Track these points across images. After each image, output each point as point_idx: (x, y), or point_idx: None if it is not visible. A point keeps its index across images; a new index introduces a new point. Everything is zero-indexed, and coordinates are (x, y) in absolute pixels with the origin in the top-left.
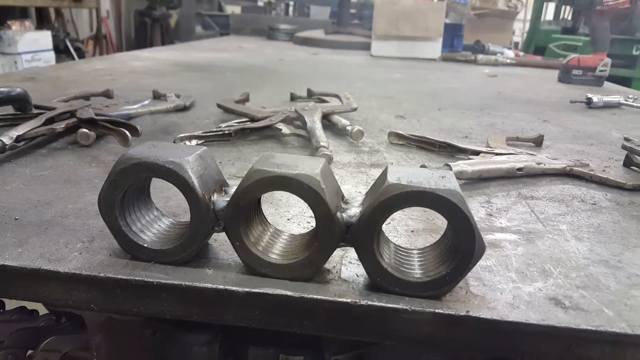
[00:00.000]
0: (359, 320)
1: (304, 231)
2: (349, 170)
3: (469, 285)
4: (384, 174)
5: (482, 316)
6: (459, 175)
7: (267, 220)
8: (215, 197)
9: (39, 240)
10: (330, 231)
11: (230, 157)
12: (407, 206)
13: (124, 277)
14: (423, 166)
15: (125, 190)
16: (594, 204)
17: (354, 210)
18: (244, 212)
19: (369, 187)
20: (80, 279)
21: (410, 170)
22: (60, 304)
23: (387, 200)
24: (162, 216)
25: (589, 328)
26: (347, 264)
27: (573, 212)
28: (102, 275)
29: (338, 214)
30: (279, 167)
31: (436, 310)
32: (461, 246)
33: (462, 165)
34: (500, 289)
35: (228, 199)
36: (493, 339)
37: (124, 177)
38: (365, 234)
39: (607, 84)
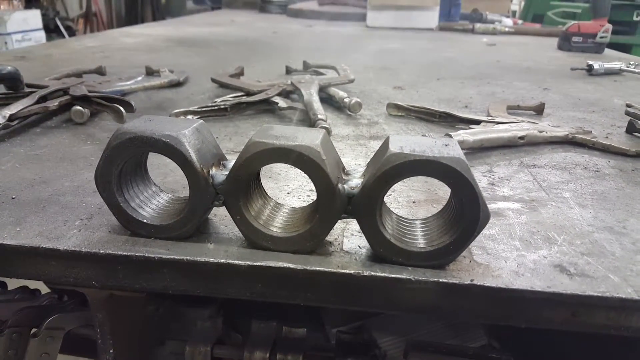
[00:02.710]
0: (362, 291)
1: (304, 204)
2: (348, 143)
3: (472, 254)
4: (385, 144)
5: (486, 284)
6: (460, 145)
7: (267, 194)
8: (213, 170)
9: (36, 218)
10: (331, 203)
11: (226, 132)
12: (410, 175)
13: (124, 253)
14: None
15: (122, 166)
16: (597, 171)
17: (355, 182)
18: (244, 186)
19: (369, 159)
20: (80, 256)
21: (412, 139)
22: (61, 282)
23: (389, 170)
24: (160, 192)
25: (595, 294)
26: (349, 236)
27: (576, 179)
28: (102, 252)
29: (339, 185)
30: (277, 139)
31: (440, 280)
32: (465, 215)
33: (463, 134)
34: (504, 257)
35: (227, 172)
36: (498, 307)
37: (120, 152)
38: (367, 205)
39: (607, 50)
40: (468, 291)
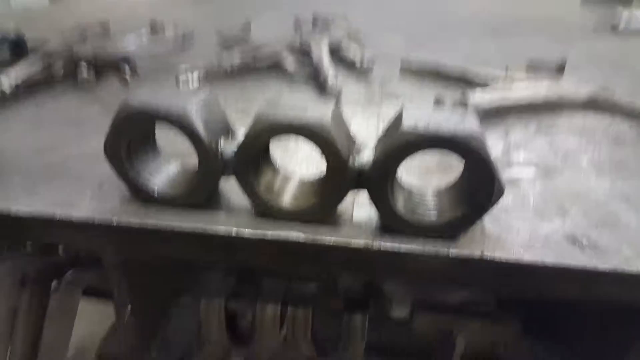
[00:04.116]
0: (372, 261)
1: (315, 174)
2: (359, 105)
3: (484, 224)
4: (398, 117)
5: (496, 257)
6: (477, 107)
7: (277, 165)
8: (222, 143)
9: (48, 187)
10: (342, 177)
11: (233, 93)
12: (424, 149)
13: (136, 222)
14: (438, 101)
15: (130, 137)
16: (617, 137)
17: (367, 155)
18: (253, 158)
19: (382, 127)
20: (94, 226)
21: (427, 112)
22: (76, 248)
23: (402, 145)
24: (170, 160)
25: (606, 269)
26: (359, 205)
27: (595, 145)
28: (114, 221)
29: (350, 159)
30: (287, 112)
31: (451, 251)
32: (479, 188)
33: (481, 95)
34: (516, 228)
35: (236, 145)
36: (508, 279)
37: (127, 125)
38: (378, 180)
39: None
40: (478, 263)
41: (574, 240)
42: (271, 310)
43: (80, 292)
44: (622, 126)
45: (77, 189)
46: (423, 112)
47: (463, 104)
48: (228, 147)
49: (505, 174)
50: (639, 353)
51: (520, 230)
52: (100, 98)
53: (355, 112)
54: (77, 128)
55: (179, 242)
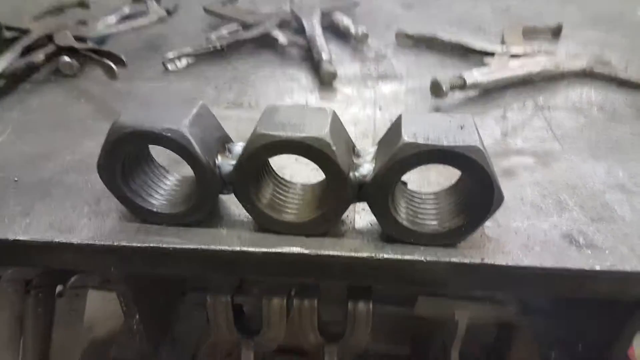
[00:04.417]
0: (375, 271)
1: (315, 187)
2: (354, 86)
3: (484, 227)
4: (397, 126)
5: (497, 263)
6: (474, 87)
7: (277, 177)
8: (219, 159)
9: (44, 205)
10: (343, 192)
11: (225, 78)
12: (424, 164)
13: (138, 245)
14: (436, 84)
15: (124, 158)
16: (614, 112)
17: (367, 168)
18: (252, 176)
19: (378, 115)
20: (95, 249)
21: (426, 120)
22: (78, 268)
23: (402, 159)
24: (167, 174)
25: (602, 269)
26: (360, 212)
27: (591, 124)
28: (116, 244)
29: (350, 174)
30: (284, 128)
31: (451, 260)
32: (478, 197)
33: (477, 75)
34: (514, 229)
35: (233, 161)
36: (508, 282)
37: (120, 146)
38: (379, 193)
39: None
40: (479, 269)
41: (571, 239)
42: (277, 303)
43: (86, 295)
44: (617, 99)
45: (74, 205)
46: (422, 119)
47: (461, 86)
48: (226, 163)
49: (503, 163)
50: (631, 332)
51: (519, 231)
52: (86, 91)
53: (350, 97)
54: (66, 131)
55: (183, 261)
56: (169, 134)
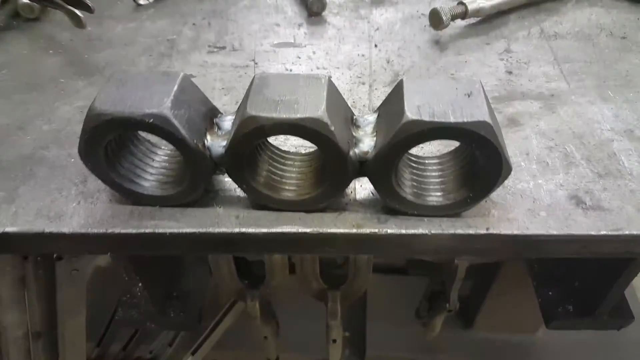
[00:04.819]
0: (379, 244)
1: (314, 159)
2: (346, 16)
3: None
4: (399, 95)
5: (502, 232)
6: (477, 14)
7: (273, 151)
8: (209, 140)
9: (28, 189)
10: (342, 170)
11: (203, 13)
12: (429, 140)
13: (133, 232)
14: (435, 12)
15: (107, 143)
16: (624, 37)
17: (367, 144)
18: (245, 156)
19: (374, 52)
20: (89, 237)
21: (429, 87)
22: (74, 254)
23: (405, 138)
24: (156, 149)
25: (608, 233)
26: (361, 180)
27: (600, 54)
28: (109, 231)
29: (351, 152)
30: (276, 107)
31: (456, 232)
32: (486, 169)
33: (479, 1)
34: (520, 191)
35: (224, 141)
36: (513, 248)
37: (99, 134)
38: (381, 171)
39: None
40: (484, 238)
41: (577, 201)
42: (279, 255)
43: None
44: (628, 19)
45: (60, 187)
46: (426, 87)
47: (462, 14)
48: (216, 144)
49: (508, 110)
50: (621, 285)
51: (525, 194)
52: (53, 39)
53: (342, 32)
54: (38, 93)
55: (180, 245)
56: (152, 120)
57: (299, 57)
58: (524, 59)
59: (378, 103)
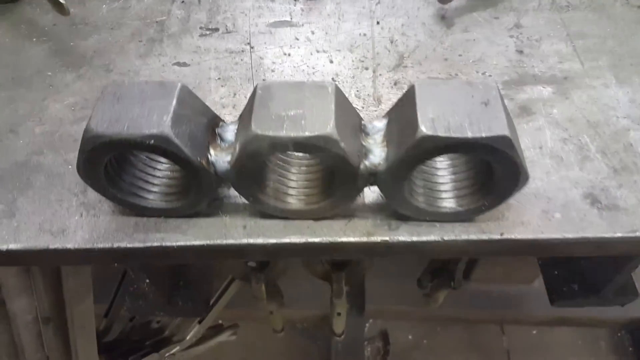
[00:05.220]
0: (390, 250)
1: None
2: None
3: None
4: (411, 103)
5: (516, 237)
6: None
7: (280, 160)
8: (212, 154)
9: (28, 201)
10: (353, 182)
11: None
12: (444, 154)
13: (139, 246)
14: None
15: (106, 162)
16: None
17: (378, 155)
18: (251, 172)
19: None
20: (94, 252)
21: (443, 94)
22: (78, 265)
23: (419, 153)
24: (159, 161)
25: (624, 235)
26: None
27: (615, 27)
28: (115, 246)
29: (361, 165)
30: (283, 124)
31: (470, 237)
32: (502, 179)
33: None
34: (534, 191)
35: (228, 156)
36: (527, 251)
37: (97, 155)
38: (393, 182)
39: None
40: (498, 244)
41: (592, 200)
42: None
43: None
44: None
45: (60, 197)
46: (439, 94)
47: None
48: (220, 159)
49: (520, 97)
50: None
51: (539, 193)
52: (35, 23)
53: (342, 6)
54: (27, 89)
55: (187, 256)
56: (152, 141)
57: (297, 39)
58: (535, 36)
59: (383, 92)
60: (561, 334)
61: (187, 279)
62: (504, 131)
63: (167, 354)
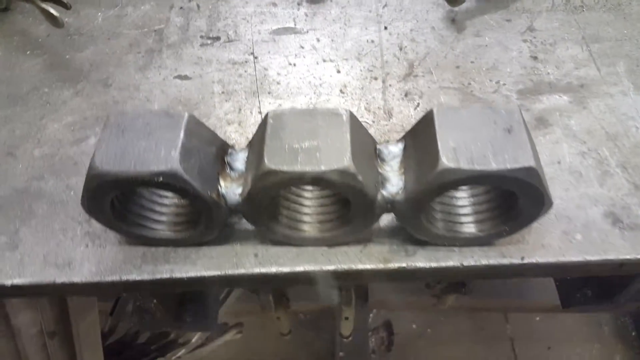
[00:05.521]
0: (408, 276)
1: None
2: None
3: None
4: (430, 130)
5: (538, 261)
6: None
7: (294, 190)
8: (222, 186)
9: (30, 231)
10: (369, 212)
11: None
12: (466, 185)
13: (148, 278)
14: None
15: (112, 198)
16: None
17: (395, 184)
18: (263, 204)
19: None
20: (102, 285)
21: (464, 121)
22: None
23: (440, 186)
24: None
25: None
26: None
27: (632, 28)
28: (123, 279)
29: (378, 195)
30: (296, 157)
31: (489, 262)
32: (525, 206)
33: None
34: (554, 211)
35: (239, 188)
36: (547, 273)
37: (103, 192)
38: (411, 212)
39: None
40: (518, 268)
41: (614, 219)
42: None
43: None
44: None
45: (64, 227)
46: (459, 124)
47: None
48: (231, 191)
49: (536, 107)
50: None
51: (559, 213)
52: (28, 35)
53: (348, 10)
54: (23, 107)
55: (197, 285)
56: (160, 178)
57: (302, 47)
58: (549, 40)
59: (394, 104)
60: (564, 321)
61: (194, 294)
62: (530, 162)
63: (173, 358)
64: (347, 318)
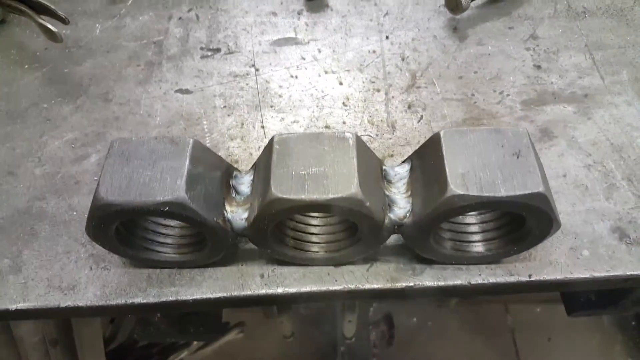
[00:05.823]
0: (415, 295)
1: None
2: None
3: None
4: (437, 155)
5: (545, 278)
6: None
7: (300, 216)
8: (228, 211)
9: (33, 253)
10: (376, 235)
11: (187, 2)
12: (475, 211)
13: (154, 301)
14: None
15: (117, 226)
16: None
17: (403, 207)
18: (270, 230)
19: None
20: (107, 309)
21: (472, 145)
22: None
23: (448, 211)
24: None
25: None
26: None
27: (635, 34)
28: (129, 302)
29: (386, 219)
30: (303, 185)
31: (497, 280)
32: (533, 228)
33: None
34: (562, 227)
35: (245, 213)
36: (554, 289)
37: (108, 221)
38: (419, 235)
39: None
40: (525, 285)
41: (621, 234)
42: None
43: None
44: None
45: (68, 249)
46: (467, 149)
47: None
48: (237, 216)
49: (540, 118)
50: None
51: (565, 229)
52: (26, 48)
53: (348, 19)
54: (22, 124)
55: (203, 306)
56: (167, 208)
57: (304, 58)
58: (552, 48)
59: (397, 116)
60: (565, 311)
61: None
62: (539, 187)
63: None
64: (350, 321)
